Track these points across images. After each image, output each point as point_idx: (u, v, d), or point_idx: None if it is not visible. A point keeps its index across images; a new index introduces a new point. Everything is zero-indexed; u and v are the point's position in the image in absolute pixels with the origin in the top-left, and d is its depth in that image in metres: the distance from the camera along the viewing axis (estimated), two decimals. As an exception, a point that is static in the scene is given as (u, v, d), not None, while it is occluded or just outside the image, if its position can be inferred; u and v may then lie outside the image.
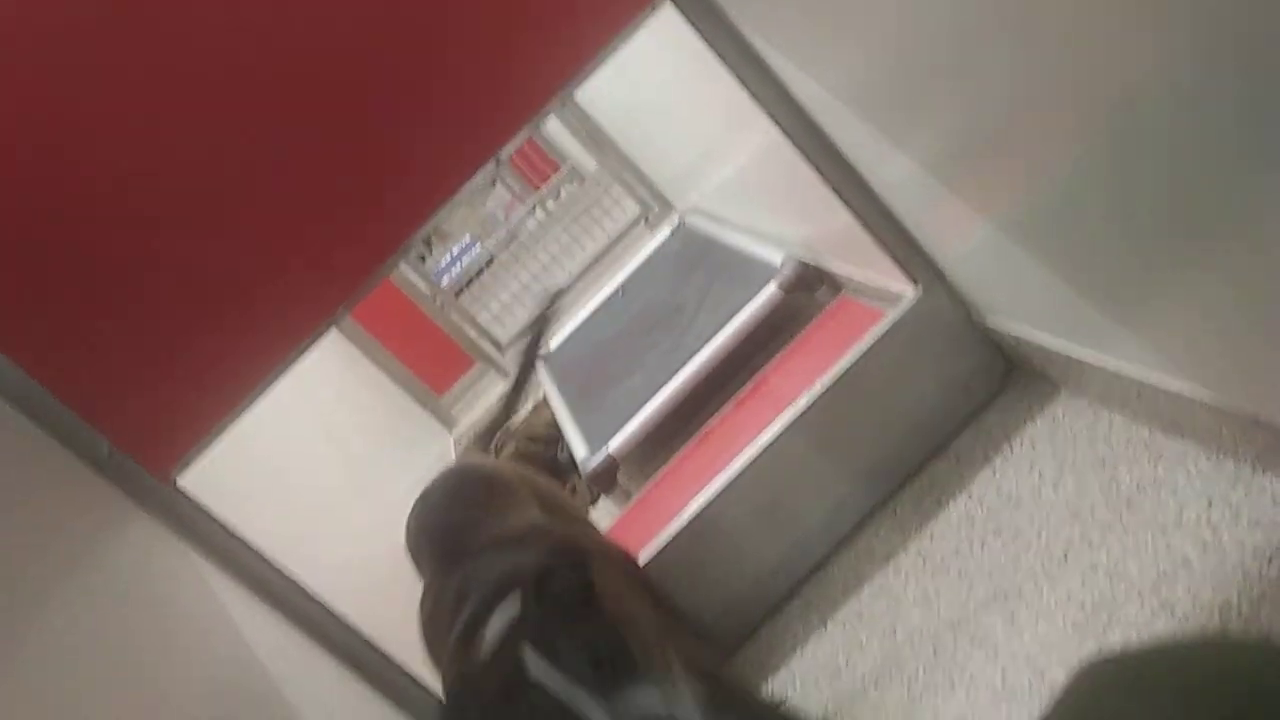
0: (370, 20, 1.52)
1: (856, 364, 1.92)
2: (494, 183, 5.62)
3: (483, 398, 4.11)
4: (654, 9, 1.63)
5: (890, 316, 1.93)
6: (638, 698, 1.02)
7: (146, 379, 1.60)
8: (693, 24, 1.67)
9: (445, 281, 4.73)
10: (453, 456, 3.83)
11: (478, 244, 5.29)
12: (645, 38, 1.65)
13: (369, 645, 1.73)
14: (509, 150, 1.64)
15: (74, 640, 1.22)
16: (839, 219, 1.92)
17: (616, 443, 2.64)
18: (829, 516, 1.99)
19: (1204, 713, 0.50)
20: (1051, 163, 1.34)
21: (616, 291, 3.52)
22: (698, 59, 1.74)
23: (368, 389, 3.87)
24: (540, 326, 2.27)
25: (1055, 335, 1.75)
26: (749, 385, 2.39)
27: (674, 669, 1.10)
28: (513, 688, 1.07)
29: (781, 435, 1.92)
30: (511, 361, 4.17)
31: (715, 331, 2.65)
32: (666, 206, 3.96)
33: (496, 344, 4.28)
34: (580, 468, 2.73)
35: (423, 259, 5.29)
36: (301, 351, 1.67)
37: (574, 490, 2.86)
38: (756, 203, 2.83)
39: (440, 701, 1.24)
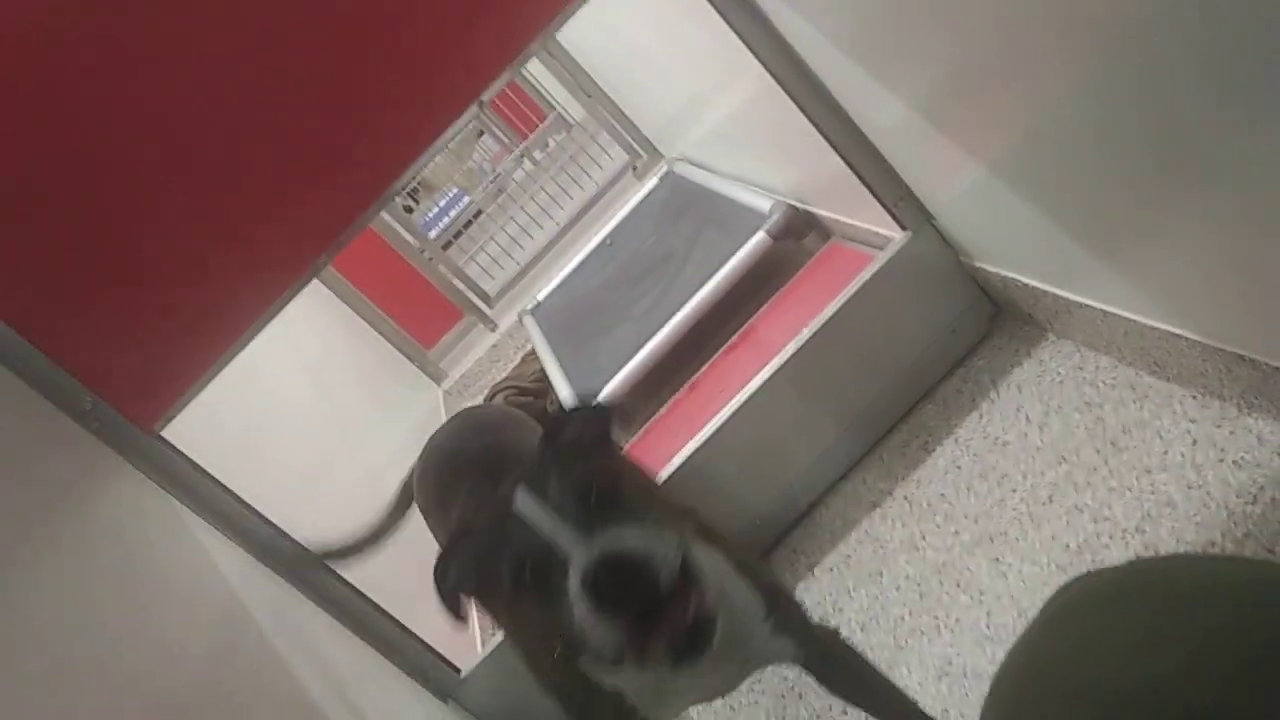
0: (345, -39, 1.49)
1: (843, 309, 1.91)
2: (481, 134, 5.56)
3: (471, 351, 4.10)
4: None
5: (878, 261, 1.92)
6: (618, 536, 0.95)
7: (128, 331, 1.59)
8: (677, -37, 1.65)
9: (433, 234, 4.69)
10: (442, 410, 3.83)
11: (465, 196, 5.24)
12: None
13: (357, 594, 1.74)
14: (490, 93, 1.61)
15: (59, 593, 1.22)
16: (827, 164, 1.90)
17: (605, 393, 2.64)
18: (817, 463, 1.99)
19: (1181, 625, 0.50)
20: (1040, 104, 1.32)
21: (604, 241, 3.50)
22: (686, 1, 1.71)
23: (355, 343, 3.85)
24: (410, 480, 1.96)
25: (1043, 277, 1.74)
26: (737, 333, 2.39)
27: (677, 528, 1.02)
28: (497, 522, 1.04)
29: (769, 382, 1.92)
30: (500, 314, 4.16)
31: (704, 280, 2.63)
32: (655, 155, 3.92)
33: (485, 296, 4.26)
34: (569, 419, 2.72)
35: (409, 211, 5.24)
36: (285, 302, 1.66)
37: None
38: (744, 150, 2.80)
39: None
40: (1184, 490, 1.43)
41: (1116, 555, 1.45)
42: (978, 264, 1.91)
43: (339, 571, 1.75)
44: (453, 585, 1.11)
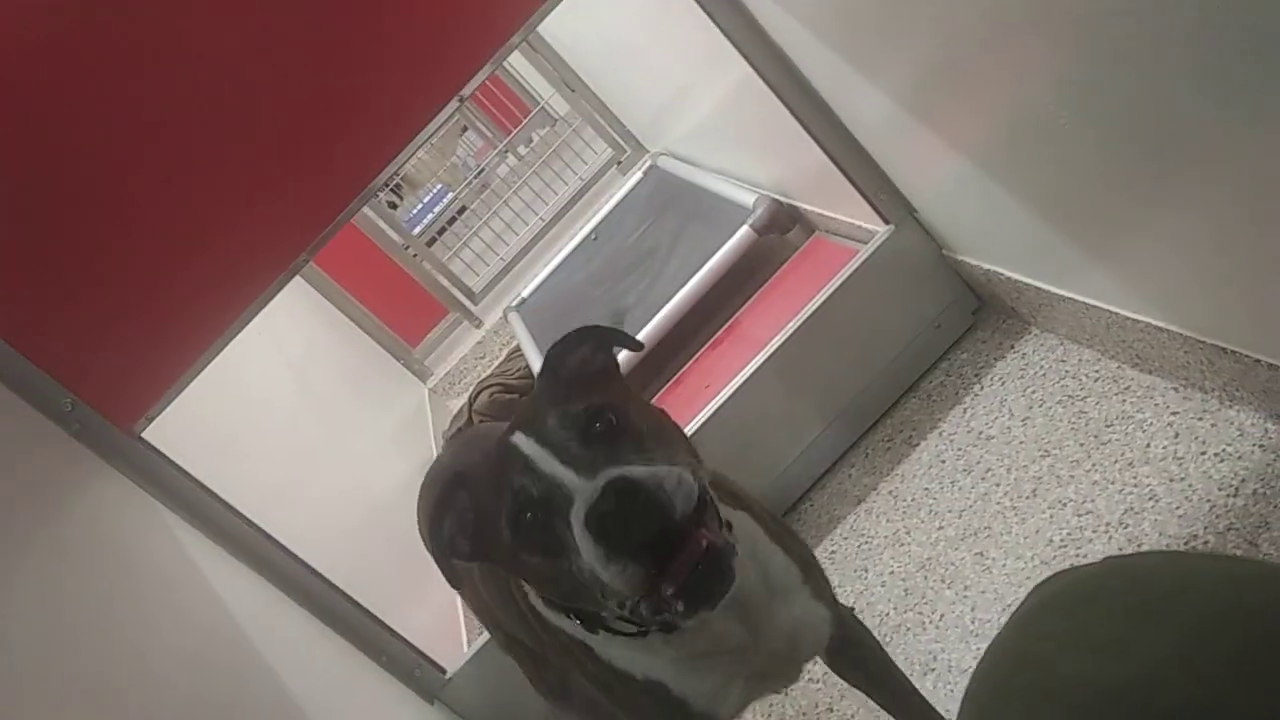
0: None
1: (827, 304, 1.91)
2: (464, 129, 5.54)
3: (456, 348, 4.09)
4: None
5: (861, 255, 1.92)
6: (625, 468, 0.85)
7: (107, 330, 1.57)
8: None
9: (417, 230, 4.67)
10: (428, 407, 3.82)
11: (449, 192, 5.22)
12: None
13: (341, 595, 1.73)
14: (472, 88, 1.60)
15: (41, 595, 1.21)
16: (811, 158, 1.90)
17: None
18: (802, 458, 2.00)
19: (1156, 623, 0.50)
20: (1023, 97, 1.32)
21: (589, 236, 3.49)
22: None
23: (340, 341, 3.83)
24: None
25: (1026, 270, 1.74)
26: (722, 328, 2.39)
27: (693, 466, 0.91)
28: (494, 466, 0.94)
29: (753, 377, 1.92)
30: (486, 310, 4.14)
31: (688, 275, 2.63)
32: (639, 149, 3.92)
33: (470, 293, 4.24)
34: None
35: (393, 207, 5.21)
36: (267, 300, 1.65)
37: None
38: (729, 144, 2.79)
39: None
40: (1166, 483, 1.44)
41: (1100, 549, 1.46)
42: (961, 257, 1.91)
43: (322, 574, 1.74)
44: (449, 541, 1.01)
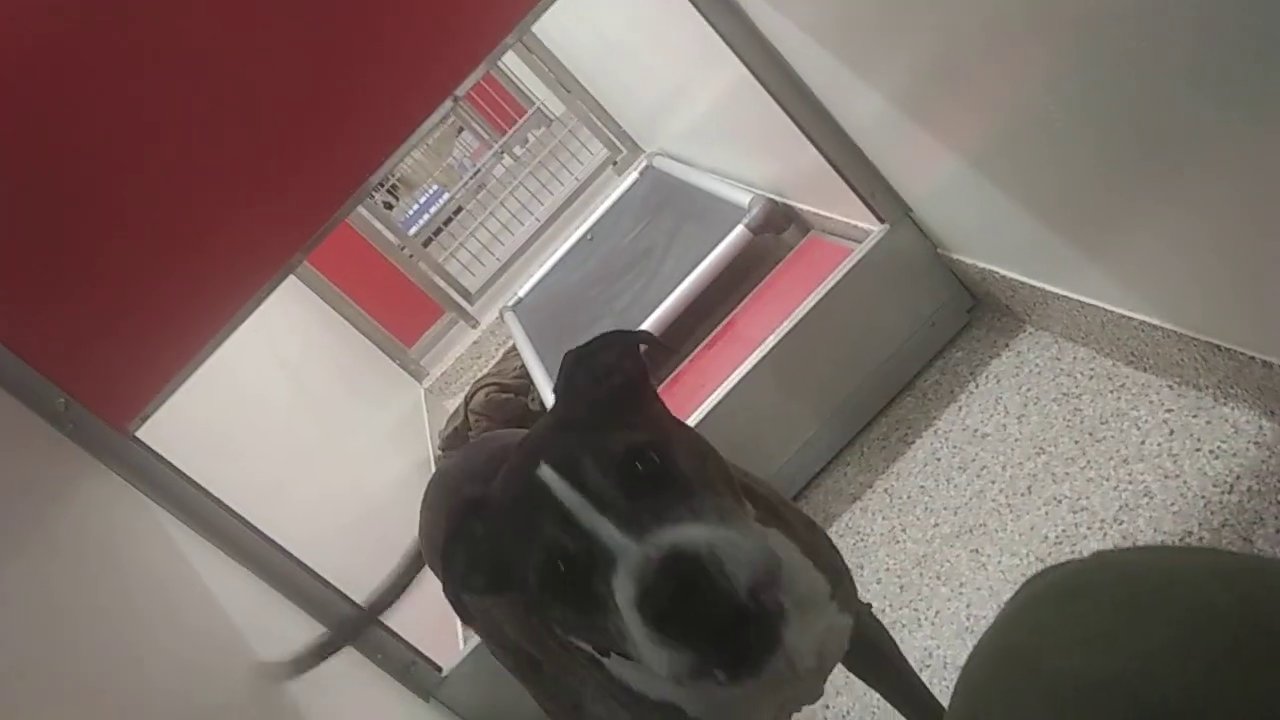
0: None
1: (822, 303, 1.91)
2: (460, 130, 5.54)
3: (452, 348, 4.09)
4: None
5: (856, 254, 1.92)
6: (678, 530, 0.76)
7: (102, 330, 1.57)
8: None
9: (413, 231, 4.67)
10: (424, 408, 3.82)
11: (445, 192, 5.22)
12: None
13: (336, 593, 1.73)
14: (466, 88, 1.60)
15: (34, 595, 1.20)
16: (806, 157, 1.90)
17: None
18: (797, 456, 2.00)
19: (1144, 619, 0.50)
20: (1018, 96, 1.32)
21: (585, 236, 3.49)
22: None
23: (335, 341, 3.83)
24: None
25: (1020, 269, 1.75)
26: (718, 328, 2.39)
27: (741, 507, 0.84)
28: (515, 501, 0.84)
29: (749, 376, 1.92)
30: (482, 310, 4.14)
31: (684, 274, 2.63)
32: (635, 149, 3.92)
33: (466, 293, 4.24)
34: (550, 415, 2.71)
35: (389, 208, 5.21)
36: (261, 299, 1.65)
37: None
38: (724, 144, 2.80)
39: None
40: (1161, 480, 1.44)
41: (1095, 546, 1.46)
42: (955, 256, 1.91)
43: (317, 573, 1.73)
44: (463, 579, 0.91)
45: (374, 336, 3.99)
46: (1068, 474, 1.57)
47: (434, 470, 1.83)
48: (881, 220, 1.91)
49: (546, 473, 0.82)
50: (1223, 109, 0.99)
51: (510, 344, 3.40)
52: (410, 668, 1.78)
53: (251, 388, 2.60)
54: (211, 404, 2.00)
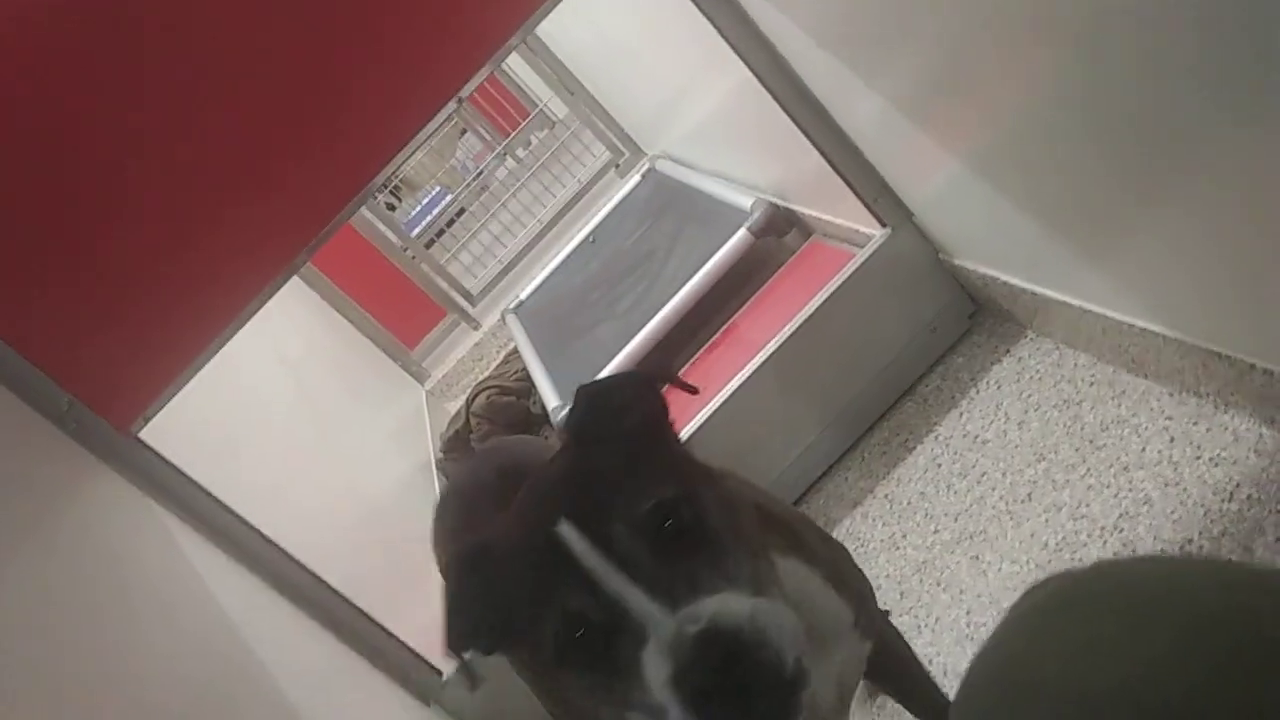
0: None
1: (823, 307, 1.91)
2: (463, 131, 5.54)
3: (454, 350, 4.09)
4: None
5: (858, 258, 1.92)
6: (713, 602, 0.71)
7: (106, 331, 1.57)
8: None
9: (415, 232, 4.67)
10: (425, 410, 3.82)
11: (448, 194, 5.22)
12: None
13: (337, 596, 1.73)
14: (470, 89, 1.60)
15: (35, 595, 1.21)
16: (809, 162, 1.90)
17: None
18: (798, 461, 2.00)
19: (1145, 629, 0.50)
20: (1021, 101, 1.32)
21: (587, 239, 3.49)
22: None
23: (337, 342, 3.83)
24: None
25: (1022, 274, 1.75)
26: (719, 331, 2.39)
27: (765, 557, 0.79)
28: (528, 555, 0.79)
29: (750, 380, 1.92)
30: (484, 312, 4.14)
31: (686, 278, 2.63)
32: (637, 152, 3.92)
33: (468, 295, 4.24)
34: (551, 418, 2.72)
35: (392, 209, 5.22)
36: (264, 300, 1.65)
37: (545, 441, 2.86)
38: (726, 147, 2.80)
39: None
40: (1161, 488, 1.44)
41: (1095, 553, 1.46)
42: (957, 261, 1.91)
43: (319, 575, 1.73)
44: (467, 632, 0.85)
45: (376, 338, 3.99)
46: (1068, 481, 1.57)
47: (436, 474, 1.84)
48: (883, 224, 1.91)
49: (567, 531, 0.76)
50: (1224, 115, 0.99)
51: (511, 346, 3.41)
52: (410, 672, 1.78)
53: (253, 388, 2.60)
54: (213, 405, 2.00)
